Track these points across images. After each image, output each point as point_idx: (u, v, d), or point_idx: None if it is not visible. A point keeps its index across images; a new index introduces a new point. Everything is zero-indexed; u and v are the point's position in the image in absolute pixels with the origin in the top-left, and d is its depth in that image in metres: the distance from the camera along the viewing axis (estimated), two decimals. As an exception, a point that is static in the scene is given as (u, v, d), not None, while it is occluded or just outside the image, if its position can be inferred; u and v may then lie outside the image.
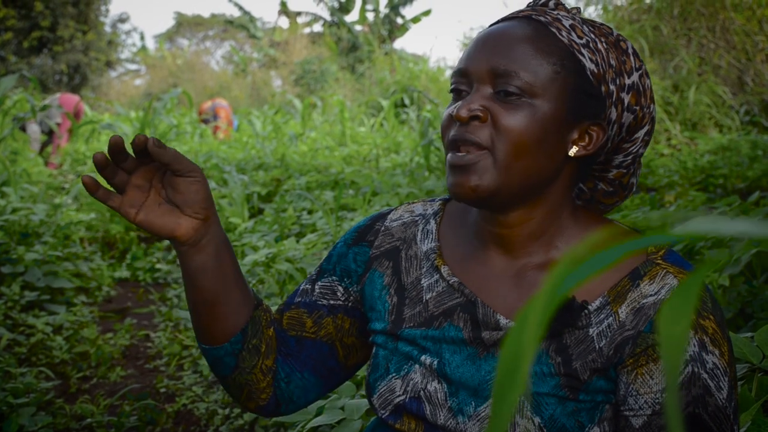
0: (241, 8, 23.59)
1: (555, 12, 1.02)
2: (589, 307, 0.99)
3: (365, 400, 1.71)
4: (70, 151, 8.41)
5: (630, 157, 1.06)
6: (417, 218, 1.15)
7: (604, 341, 0.98)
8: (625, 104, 1.01)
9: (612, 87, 1.00)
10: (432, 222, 1.13)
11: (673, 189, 5.39)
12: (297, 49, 22.14)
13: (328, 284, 1.17)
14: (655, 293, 0.98)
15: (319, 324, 1.16)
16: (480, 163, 0.97)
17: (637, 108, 1.02)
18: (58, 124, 8.46)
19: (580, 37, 0.99)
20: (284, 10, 23.12)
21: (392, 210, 1.18)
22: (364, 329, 1.18)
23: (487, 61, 0.98)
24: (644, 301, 0.98)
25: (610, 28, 1.04)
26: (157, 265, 4.81)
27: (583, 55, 0.98)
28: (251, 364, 1.13)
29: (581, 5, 10.25)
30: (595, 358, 0.98)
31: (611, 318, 0.98)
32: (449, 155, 1.00)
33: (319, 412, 1.76)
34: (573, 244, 1.05)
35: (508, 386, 0.29)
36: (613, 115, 1.01)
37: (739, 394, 1.26)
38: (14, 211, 4.68)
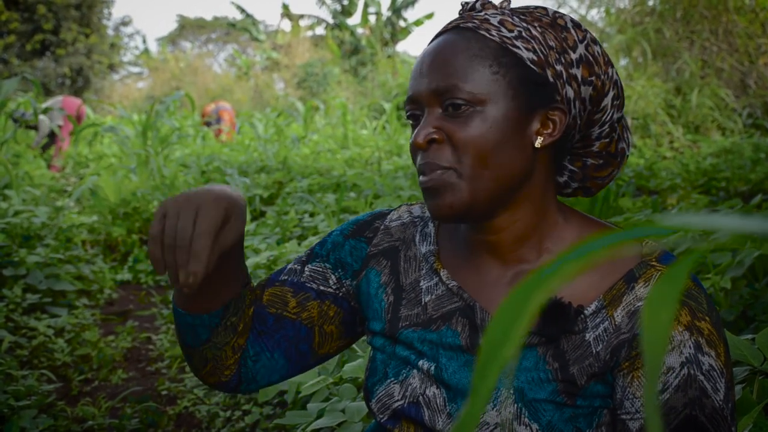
0: (243, 11, 23.62)
1: (482, 13, 1.01)
2: (585, 311, 0.98)
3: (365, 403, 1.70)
4: (73, 154, 8.42)
5: (606, 126, 1.05)
6: (416, 220, 1.15)
7: (600, 345, 0.97)
8: (579, 79, 1.00)
9: (559, 67, 0.98)
10: (430, 225, 1.13)
11: (675, 192, 5.39)
12: (299, 52, 22.15)
13: (320, 269, 1.15)
14: None
15: (303, 305, 1.14)
16: (448, 181, 0.97)
17: (593, 78, 1.01)
18: (60, 127, 8.46)
19: (511, 30, 0.98)
20: (286, 13, 23.14)
21: (392, 210, 1.18)
22: (348, 322, 1.17)
23: (428, 83, 0.98)
24: (639, 304, 0.98)
25: (545, 9, 1.02)
26: (159, 268, 4.80)
27: (517, 47, 0.97)
28: (224, 341, 1.11)
29: (584, 8, 10.26)
30: (592, 362, 0.97)
31: (607, 322, 0.98)
32: (419, 179, 1.00)
33: (320, 415, 1.76)
34: (565, 245, 1.04)
35: (487, 375, 0.28)
36: (570, 93, 0.99)
37: (741, 397, 1.26)
38: (16, 213, 4.69)
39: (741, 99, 9.42)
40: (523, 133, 0.98)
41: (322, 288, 1.15)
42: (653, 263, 0.99)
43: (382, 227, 1.15)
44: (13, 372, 2.85)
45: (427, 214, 1.15)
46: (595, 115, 1.03)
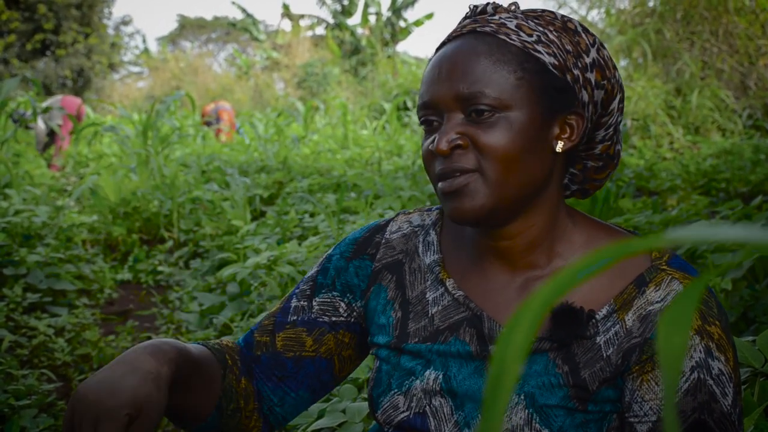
0: (243, 11, 23.61)
1: (496, 17, 1.00)
2: (597, 315, 0.98)
3: (366, 403, 1.70)
4: (73, 153, 8.41)
5: (611, 129, 1.05)
6: (416, 229, 1.13)
7: (611, 349, 0.97)
8: (593, 83, 1.00)
9: (576, 72, 0.98)
10: (432, 233, 1.11)
11: (675, 193, 5.38)
12: (299, 52, 22.14)
13: (329, 300, 1.14)
14: (661, 300, 0.97)
15: (319, 341, 1.13)
16: (472, 184, 0.96)
17: (605, 82, 1.01)
18: (60, 126, 8.46)
19: (530, 35, 0.97)
20: (287, 12, 23.13)
21: (390, 221, 1.16)
22: (363, 342, 1.16)
23: (449, 88, 0.97)
24: (650, 308, 0.97)
25: (553, 12, 1.02)
26: (159, 268, 4.81)
27: (539, 52, 0.97)
28: (235, 422, 1.12)
29: (585, 9, 10.26)
30: (603, 366, 0.97)
31: (618, 326, 0.98)
32: (440, 184, 0.98)
33: (320, 415, 1.76)
34: (575, 249, 1.03)
35: (500, 389, 0.28)
36: (585, 97, 0.99)
37: (743, 399, 1.26)
38: (17, 213, 4.69)
39: (741, 100, 9.43)
40: (545, 138, 0.98)
41: (334, 319, 1.14)
42: (663, 267, 0.99)
43: (383, 241, 1.13)
44: (14, 371, 2.85)
45: (428, 221, 1.13)
46: (603, 118, 1.04)
